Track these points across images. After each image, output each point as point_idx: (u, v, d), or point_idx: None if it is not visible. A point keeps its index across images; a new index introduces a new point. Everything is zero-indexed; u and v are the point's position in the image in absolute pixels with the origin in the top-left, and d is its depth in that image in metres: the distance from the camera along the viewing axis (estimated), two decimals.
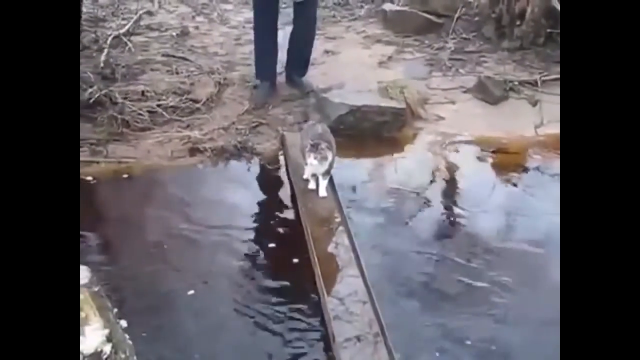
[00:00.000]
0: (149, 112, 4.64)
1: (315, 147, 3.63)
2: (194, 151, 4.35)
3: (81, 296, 1.82)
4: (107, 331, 1.81)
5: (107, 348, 1.80)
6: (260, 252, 3.53)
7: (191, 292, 3.18)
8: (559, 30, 5.49)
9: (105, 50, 5.37)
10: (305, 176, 3.85)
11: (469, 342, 2.93)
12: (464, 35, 6.13)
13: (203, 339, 2.92)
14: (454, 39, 6.07)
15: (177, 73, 5.31)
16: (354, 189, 4.01)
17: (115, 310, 1.98)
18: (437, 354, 2.88)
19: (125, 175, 4.11)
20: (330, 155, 3.67)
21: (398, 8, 6.50)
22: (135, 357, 1.98)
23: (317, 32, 6.03)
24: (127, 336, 1.99)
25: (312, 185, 3.80)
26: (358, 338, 2.88)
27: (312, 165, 3.68)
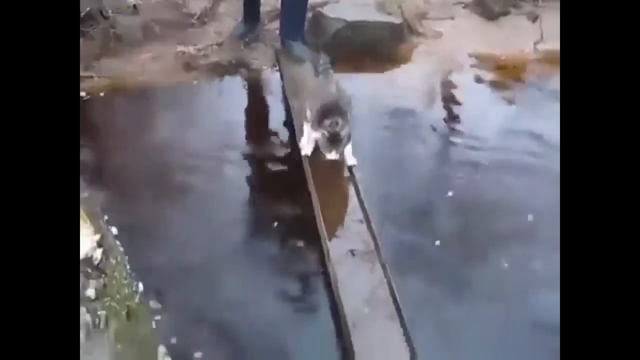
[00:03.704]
0: (141, 27, 4.55)
1: (335, 141, 3.09)
2: (188, 67, 4.29)
3: None
4: (97, 237, 1.82)
5: (98, 254, 1.82)
6: (255, 171, 3.53)
7: (186, 208, 3.21)
8: None
9: None
10: (304, 152, 3.37)
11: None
12: None
13: (200, 241, 2.99)
14: None
15: None
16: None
17: (106, 217, 1.99)
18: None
19: (119, 91, 4.06)
20: (346, 133, 3.15)
21: None
22: (126, 263, 2.00)
23: None
24: (118, 243, 2.01)
25: (308, 149, 3.37)
26: (352, 253, 2.92)
27: (330, 155, 3.15)
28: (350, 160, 3.32)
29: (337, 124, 3.05)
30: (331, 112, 3.09)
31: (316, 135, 3.18)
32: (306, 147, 3.37)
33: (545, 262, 2.87)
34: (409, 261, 2.93)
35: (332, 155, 3.11)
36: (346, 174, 3.31)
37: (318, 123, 3.11)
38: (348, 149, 3.29)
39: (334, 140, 3.07)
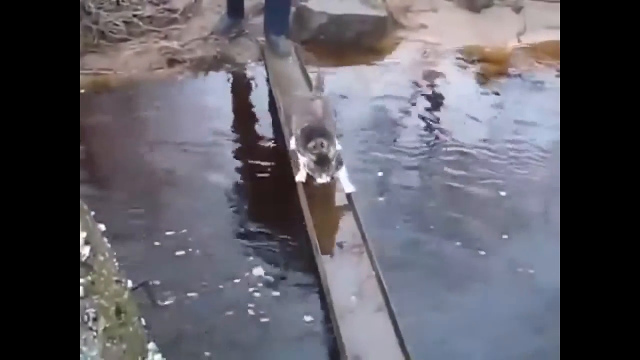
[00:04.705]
0: (124, 22, 4.50)
1: (324, 163, 2.96)
2: (172, 62, 4.27)
3: None
4: (85, 234, 1.82)
5: (86, 250, 1.81)
6: (241, 165, 3.53)
7: (172, 199, 3.22)
8: None
9: None
10: (299, 178, 3.18)
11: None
12: None
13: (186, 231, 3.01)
14: None
15: None
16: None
17: (93, 213, 1.99)
18: None
19: (101, 87, 4.03)
20: (335, 155, 3.00)
21: None
22: (114, 260, 2.00)
23: None
24: (105, 239, 2.01)
25: (302, 176, 3.17)
26: (340, 245, 2.92)
27: (321, 178, 3.00)
28: (348, 187, 3.13)
29: (322, 145, 2.95)
30: (314, 134, 2.99)
31: (304, 160, 3.05)
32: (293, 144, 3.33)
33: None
34: None
35: (322, 179, 2.98)
36: (344, 201, 3.14)
37: (303, 147, 3.00)
38: (343, 175, 3.12)
39: (323, 162, 2.96)
